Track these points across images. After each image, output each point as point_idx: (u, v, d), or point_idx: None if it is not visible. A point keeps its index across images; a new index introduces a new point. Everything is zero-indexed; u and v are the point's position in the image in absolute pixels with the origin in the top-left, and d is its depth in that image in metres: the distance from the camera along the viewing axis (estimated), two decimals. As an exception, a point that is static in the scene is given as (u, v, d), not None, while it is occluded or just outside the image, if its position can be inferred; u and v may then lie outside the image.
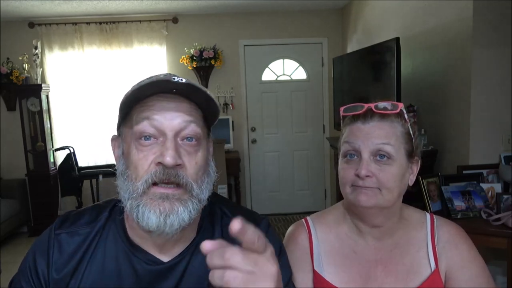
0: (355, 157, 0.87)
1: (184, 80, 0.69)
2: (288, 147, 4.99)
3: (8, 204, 4.32)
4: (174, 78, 0.69)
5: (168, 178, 0.70)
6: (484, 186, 2.19)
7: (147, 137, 0.72)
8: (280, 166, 5.00)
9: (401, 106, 0.87)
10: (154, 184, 0.71)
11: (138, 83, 0.75)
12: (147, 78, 0.75)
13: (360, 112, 0.88)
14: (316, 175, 5.04)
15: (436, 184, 2.22)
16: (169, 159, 0.69)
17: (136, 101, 0.74)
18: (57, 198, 4.55)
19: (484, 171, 2.31)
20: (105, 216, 0.83)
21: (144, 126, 0.71)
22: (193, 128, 0.73)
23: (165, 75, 0.75)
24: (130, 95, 0.71)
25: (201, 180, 0.75)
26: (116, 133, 0.81)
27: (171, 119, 0.71)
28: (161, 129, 0.71)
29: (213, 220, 0.85)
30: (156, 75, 0.76)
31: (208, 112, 0.77)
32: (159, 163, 0.70)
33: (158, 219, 0.70)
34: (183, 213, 0.71)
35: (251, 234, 0.49)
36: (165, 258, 0.79)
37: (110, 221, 0.82)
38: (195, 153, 0.74)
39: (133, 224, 0.76)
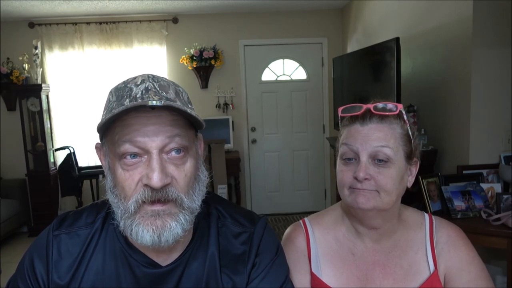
0: (353, 159, 0.86)
1: (161, 103, 0.66)
2: (288, 147, 4.98)
3: (8, 204, 4.32)
4: (151, 102, 0.66)
5: (158, 198, 0.70)
6: (484, 186, 2.19)
7: (132, 155, 0.70)
8: (280, 166, 5.00)
9: (400, 107, 0.86)
10: (144, 202, 0.70)
11: (109, 95, 0.73)
12: (119, 90, 0.73)
13: (358, 113, 0.87)
14: (316, 175, 5.04)
15: (436, 184, 2.21)
16: (156, 182, 0.68)
17: (115, 119, 0.71)
18: (57, 198, 4.55)
19: (484, 171, 2.31)
20: (102, 216, 0.82)
21: (127, 148, 0.69)
22: (178, 141, 0.71)
23: (141, 81, 0.72)
24: (105, 121, 0.69)
25: (192, 189, 0.74)
26: (99, 141, 0.79)
27: (154, 137, 0.69)
28: (145, 148, 0.69)
29: (209, 221, 0.84)
30: (132, 82, 0.73)
31: (194, 121, 0.74)
32: (146, 185, 0.69)
33: (152, 237, 0.70)
34: (176, 228, 0.71)
35: None
36: (163, 262, 0.79)
37: (108, 221, 0.81)
38: (183, 165, 0.72)
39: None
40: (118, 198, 0.73)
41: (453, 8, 2.45)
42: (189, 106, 0.77)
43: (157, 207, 0.70)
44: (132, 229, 0.71)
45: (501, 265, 2.30)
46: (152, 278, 0.78)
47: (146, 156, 0.70)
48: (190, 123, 0.76)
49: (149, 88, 0.72)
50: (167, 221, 0.70)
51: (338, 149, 0.90)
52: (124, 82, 0.76)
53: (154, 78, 0.74)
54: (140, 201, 0.70)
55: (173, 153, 0.71)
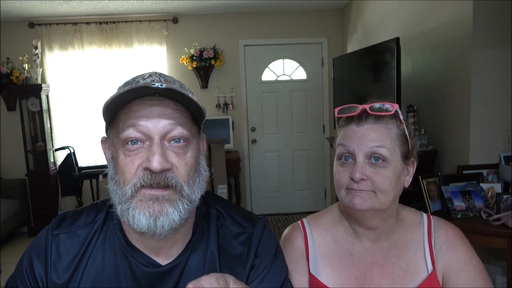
0: (350, 160, 0.86)
1: (164, 85, 0.68)
2: (288, 147, 4.98)
3: (8, 204, 4.32)
4: (154, 84, 0.68)
5: (157, 182, 0.70)
6: (484, 186, 2.19)
7: (134, 141, 0.71)
8: (280, 166, 5.00)
9: (396, 107, 0.86)
10: (143, 187, 0.71)
11: (118, 90, 0.75)
12: (127, 84, 0.75)
13: (354, 113, 0.87)
14: (316, 175, 5.04)
15: (436, 184, 2.21)
16: (155, 165, 0.68)
17: (120, 106, 0.73)
18: (57, 198, 4.55)
19: (484, 171, 2.31)
20: (102, 216, 0.82)
21: (130, 133, 0.71)
22: (180, 130, 0.72)
23: (148, 76, 0.75)
24: (111, 103, 0.71)
25: (193, 180, 0.75)
26: (105, 135, 0.81)
27: (156, 122, 0.71)
28: (147, 133, 0.71)
29: (209, 221, 0.84)
30: (139, 77, 0.76)
31: (194, 111, 0.76)
32: (146, 168, 0.70)
33: (148, 221, 0.70)
34: (172, 214, 0.71)
35: (209, 286, 0.51)
36: (162, 261, 0.79)
37: (108, 221, 0.81)
38: (184, 154, 0.73)
39: (128, 226, 0.76)
40: (117, 185, 0.73)
41: (453, 8, 2.45)
42: None
43: (157, 192, 0.71)
44: (129, 213, 0.71)
45: (501, 265, 2.30)
46: (152, 278, 0.78)
47: (148, 142, 0.71)
48: (193, 118, 0.77)
49: (155, 81, 0.74)
50: (165, 206, 0.71)
51: (335, 149, 0.90)
52: (132, 77, 0.78)
53: (161, 74, 0.77)
54: (138, 184, 0.70)
55: (174, 142, 0.72)
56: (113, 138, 0.76)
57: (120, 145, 0.72)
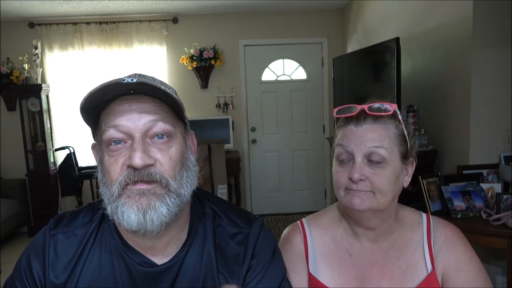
0: (349, 160, 0.86)
1: (135, 80, 0.68)
2: (288, 147, 4.98)
3: (8, 204, 4.32)
4: (124, 80, 0.68)
5: (141, 178, 0.70)
6: (484, 186, 2.19)
7: (116, 141, 0.72)
8: (280, 166, 5.00)
9: (394, 107, 0.85)
10: (128, 184, 0.71)
11: (89, 91, 0.75)
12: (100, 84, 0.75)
13: (353, 114, 0.86)
14: (316, 175, 5.04)
15: (436, 184, 2.21)
16: (137, 161, 0.69)
17: (100, 109, 0.73)
18: (57, 198, 4.55)
19: (484, 171, 2.31)
20: (99, 216, 0.82)
21: (111, 134, 0.71)
22: (161, 126, 0.72)
23: (128, 76, 0.74)
24: (85, 103, 0.71)
25: (180, 175, 0.74)
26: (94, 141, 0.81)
27: (136, 121, 0.71)
28: (128, 133, 0.71)
29: (204, 220, 0.84)
30: (121, 79, 0.75)
31: (174, 106, 0.75)
32: (129, 166, 0.70)
33: (137, 216, 0.70)
34: (160, 207, 0.71)
35: None
36: (159, 261, 0.79)
37: (105, 221, 0.81)
38: (168, 149, 0.73)
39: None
40: (105, 186, 0.74)
41: (453, 8, 2.45)
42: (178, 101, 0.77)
43: (142, 186, 0.71)
44: (118, 211, 0.71)
45: (501, 265, 2.29)
46: (148, 277, 0.78)
47: (130, 141, 0.72)
48: (177, 114, 0.77)
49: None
50: (152, 199, 0.71)
51: (334, 150, 0.90)
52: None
53: (141, 74, 0.77)
54: (123, 182, 0.71)
55: (157, 138, 0.72)
56: (99, 141, 0.76)
57: (104, 147, 0.73)
